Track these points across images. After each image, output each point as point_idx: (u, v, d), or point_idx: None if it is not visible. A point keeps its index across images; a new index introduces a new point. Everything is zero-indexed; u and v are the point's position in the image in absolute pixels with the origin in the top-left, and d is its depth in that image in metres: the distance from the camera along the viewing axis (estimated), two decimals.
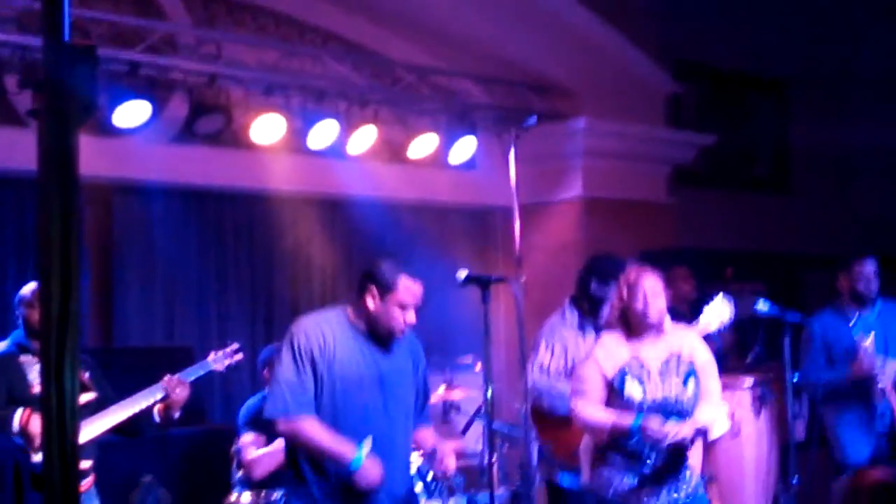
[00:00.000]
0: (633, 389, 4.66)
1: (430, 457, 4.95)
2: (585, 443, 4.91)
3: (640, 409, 4.63)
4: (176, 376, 4.95)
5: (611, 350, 4.76)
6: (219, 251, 8.18)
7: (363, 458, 4.34)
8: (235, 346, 5.41)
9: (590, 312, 5.87)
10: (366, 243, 8.35)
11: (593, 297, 5.83)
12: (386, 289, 4.43)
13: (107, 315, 7.71)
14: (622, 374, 4.68)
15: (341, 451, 4.36)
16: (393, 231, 8.72)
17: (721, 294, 5.93)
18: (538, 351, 5.92)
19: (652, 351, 4.77)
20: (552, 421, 5.82)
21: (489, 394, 4.91)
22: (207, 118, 7.33)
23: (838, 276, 6.73)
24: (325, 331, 4.48)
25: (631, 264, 5.57)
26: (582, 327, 5.92)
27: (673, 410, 4.68)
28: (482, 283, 4.68)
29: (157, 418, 4.94)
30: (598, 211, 9.18)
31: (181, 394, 4.92)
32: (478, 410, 6.49)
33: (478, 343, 5.07)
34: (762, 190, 11.20)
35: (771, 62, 10.89)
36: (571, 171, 9.25)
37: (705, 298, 6.36)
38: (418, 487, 5.84)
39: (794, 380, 6.11)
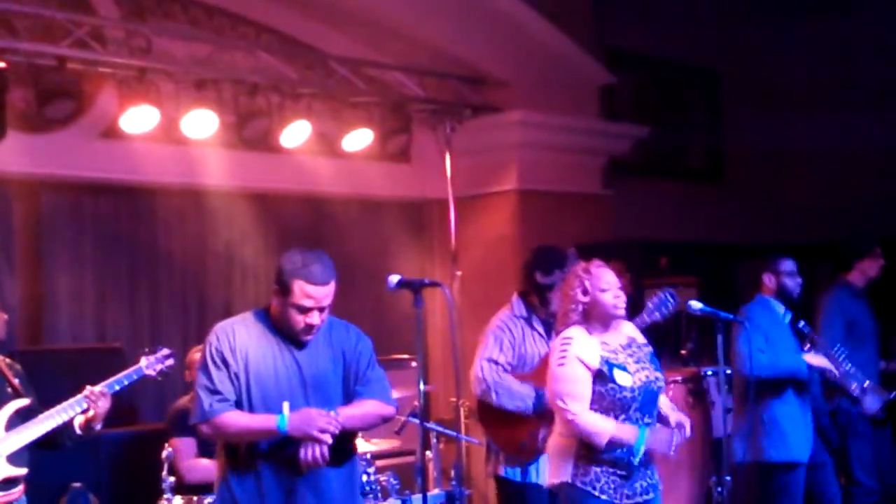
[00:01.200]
0: (620, 376, 4.70)
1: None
2: (559, 441, 4.87)
3: (633, 395, 4.69)
4: (98, 388, 4.85)
5: (585, 343, 4.78)
6: (150, 248, 8.05)
7: (287, 416, 4.24)
8: (167, 351, 5.31)
9: (540, 304, 5.94)
10: (300, 238, 8.28)
11: (540, 287, 5.90)
12: (283, 290, 4.33)
13: (36, 314, 7.57)
14: (608, 363, 4.71)
15: (264, 422, 4.27)
16: (328, 225, 8.67)
17: (667, 288, 6.02)
18: (487, 344, 5.94)
19: (615, 339, 4.86)
20: (499, 416, 5.84)
21: (423, 393, 4.88)
22: (137, 112, 7.21)
23: (762, 273, 6.69)
24: (238, 332, 4.39)
25: (573, 257, 5.65)
26: (530, 321, 5.97)
27: (653, 392, 4.78)
28: (414, 287, 4.63)
29: (78, 431, 4.85)
30: (534, 203, 9.18)
31: (103, 406, 4.83)
32: (413, 409, 6.46)
33: (413, 339, 5.00)
34: (696, 180, 11.27)
35: (704, 52, 10.94)
36: (506, 164, 9.24)
37: (640, 291, 6.41)
38: None
39: (727, 373, 6.14)
